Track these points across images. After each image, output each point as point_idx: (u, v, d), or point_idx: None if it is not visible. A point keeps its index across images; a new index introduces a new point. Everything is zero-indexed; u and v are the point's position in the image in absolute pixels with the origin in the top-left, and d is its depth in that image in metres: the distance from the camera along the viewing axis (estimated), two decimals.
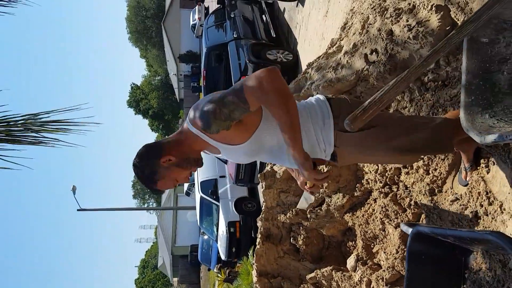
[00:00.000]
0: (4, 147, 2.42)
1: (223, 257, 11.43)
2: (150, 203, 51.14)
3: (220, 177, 11.57)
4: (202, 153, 1.83)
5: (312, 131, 1.75)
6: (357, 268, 3.06)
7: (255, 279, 3.70)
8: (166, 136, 2.10)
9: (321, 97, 1.83)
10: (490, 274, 1.73)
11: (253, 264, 3.78)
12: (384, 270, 2.80)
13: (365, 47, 2.94)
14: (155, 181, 1.70)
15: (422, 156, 2.32)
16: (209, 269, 16.66)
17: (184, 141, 1.71)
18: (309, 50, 7.00)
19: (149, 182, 1.71)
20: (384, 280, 2.72)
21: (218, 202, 11.20)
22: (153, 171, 1.68)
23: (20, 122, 2.50)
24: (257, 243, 3.78)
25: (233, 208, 10.76)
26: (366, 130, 1.67)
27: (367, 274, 2.94)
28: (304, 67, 3.69)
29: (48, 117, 2.53)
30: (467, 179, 2.31)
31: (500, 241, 1.33)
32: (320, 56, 3.54)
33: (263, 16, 9.07)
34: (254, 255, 3.75)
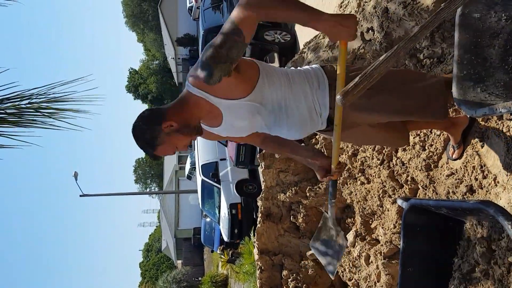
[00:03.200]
0: (14, 131, 2.49)
1: (225, 238, 11.58)
2: (152, 188, 51.39)
3: (221, 160, 11.61)
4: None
5: (309, 92, 1.78)
6: (356, 244, 3.13)
7: (256, 257, 3.78)
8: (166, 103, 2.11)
9: (315, 65, 1.87)
10: (482, 243, 1.79)
11: (254, 242, 3.86)
12: (382, 245, 2.87)
13: (361, 25, 2.96)
14: (155, 146, 1.69)
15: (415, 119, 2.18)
16: (212, 251, 16.87)
17: (185, 107, 1.70)
18: (306, 31, 6.97)
19: (149, 147, 1.70)
20: (382, 254, 2.80)
21: (220, 184, 11.27)
22: (153, 136, 1.67)
23: (28, 100, 2.55)
24: (257, 222, 3.85)
25: (234, 190, 10.83)
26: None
27: (365, 249, 3.01)
28: (302, 47, 3.70)
29: (52, 93, 2.58)
30: (454, 156, 2.38)
31: (490, 209, 1.38)
32: (317, 36, 3.55)
33: None
34: (255, 234, 3.83)
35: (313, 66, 1.88)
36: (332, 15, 1.51)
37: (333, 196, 2.19)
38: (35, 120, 2.63)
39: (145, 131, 1.68)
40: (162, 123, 1.66)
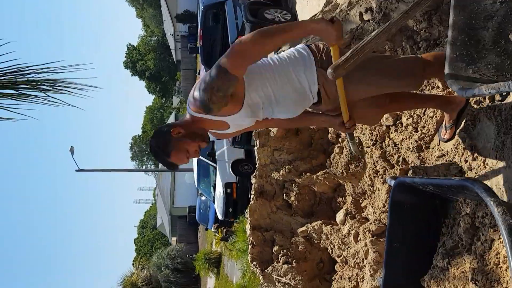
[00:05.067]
0: (11, 103, 2.52)
1: (220, 217, 11.69)
2: (148, 165, 51.49)
3: (217, 139, 11.64)
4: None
5: (295, 77, 1.92)
6: (346, 222, 3.20)
7: (248, 232, 3.85)
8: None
9: (300, 45, 2.00)
10: (466, 220, 1.84)
11: (247, 219, 3.93)
12: (371, 223, 2.93)
13: (360, 5, 2.96)
14: (169, 153, 1.90)
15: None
16: (206, 229, 17.05)
17: (190, 122, 1.93)
18: (307, 9, 6.92)
19: (164, 155, 1.92)
20: (371, 232, 2.86)
21: (215, 164, 11.33)
22: (166, 143, 1.90)
23: (27, 75, 2.57)
24: (251, 199, 3.91)
25: (230, 170, 10.89)
26: None
27: (355, 227, 3.08)
28: None
29: (52, 74, 2.60)
30: (445, 136, 2.41)
31: (474, 186, 1.42)
32: (316, 15, 3.54)
33: None
34: (248, 210, 3.89)
35: (298, 46, 2.00)
36: (318, 22, 1.70)
37: (351, 137, 2.44)
38: (31, 95, 2.65)
39: (158, 141, 1.93)
40: (171, 130, 1.89)
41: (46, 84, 2.67)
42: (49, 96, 2.67)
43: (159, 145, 1.92)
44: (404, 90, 2.24)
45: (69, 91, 2.70)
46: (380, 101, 2.19)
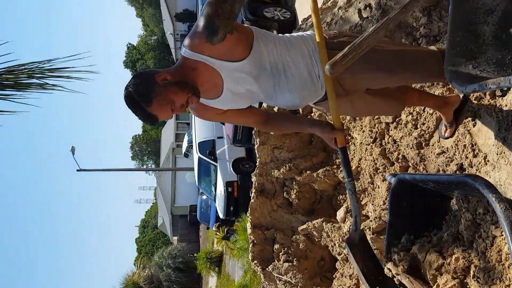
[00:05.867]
0: (12, 93, 2.52)
1: (221, 215, 11.70)
2: (149, 165, 51.55)
3: (218, 138, 11.64)
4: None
5: (306, 52, 1.74)
6: (346, 219, 3.19)
7: (249, 231, 3.85)
8: None
9: (308, 32, 1.85)
10: (467, 217, 1.82)
11: (248, 217, 3.92)
12: (371, 221, 2.92)
13: (359, 2, 2.94)
14: (151, 99, 1.56)
15: (412, 81, 2.19)
16: (208, 228, 17.06)
17: (180, 69, 1.65)
18: (307, 8, 6.90)
19: (144, 102, 1.56)
20: (371, 230, 2.85)
21: (216, 162, 11.34)
22: (148, 88, 1.56)
23: (25, 69, 2.57)
24: (251, 198, 3.90)
25: (231, 168, 10.90)
26: None
27: None
28: (300, 23, 3.67)
29: (50, 65, 2.60)
30: (446, 134, 2.40)
31: (476, 183, 1.41)
32: None
33: None
34: (249, 208, 3.88)
35: (307, 32, 1.86)
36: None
37: (348, 173, 1.92)
38: (32, 83, 2.66)
39: (139, 84, 1.58)
40: (156, 76, 1.60)
41: (46, 72, 2.67)
42: (48, 83, 2.67)
43: (140, 90, 1.55)
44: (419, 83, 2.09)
45: (68, 76, 2.68)
46: (386, 91, 2.04)
